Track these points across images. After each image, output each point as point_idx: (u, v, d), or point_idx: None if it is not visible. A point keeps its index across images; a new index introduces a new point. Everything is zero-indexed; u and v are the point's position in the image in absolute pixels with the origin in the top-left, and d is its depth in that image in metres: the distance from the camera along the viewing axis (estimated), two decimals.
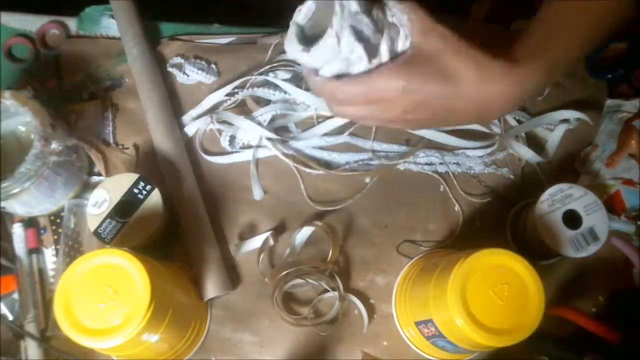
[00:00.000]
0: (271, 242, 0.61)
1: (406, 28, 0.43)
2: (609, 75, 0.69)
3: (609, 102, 0.68)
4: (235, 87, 0.67)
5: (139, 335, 0.44)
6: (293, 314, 0.60)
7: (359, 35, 0.42)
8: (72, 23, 0.70)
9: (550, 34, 0.46)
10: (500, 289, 0.46)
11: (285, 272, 0.59)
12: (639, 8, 0.46)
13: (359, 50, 0.42)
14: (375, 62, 0.43)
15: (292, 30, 0.43)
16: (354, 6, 0.42)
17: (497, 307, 0.46)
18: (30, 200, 0.58)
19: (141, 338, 0.45)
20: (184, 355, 0.57)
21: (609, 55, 0.70)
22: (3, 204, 0.57)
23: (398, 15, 0.43)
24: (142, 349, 0.47)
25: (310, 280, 0.60)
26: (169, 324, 0.48)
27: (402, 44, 0.44)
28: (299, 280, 0.60)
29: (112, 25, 0.69)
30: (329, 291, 0.60)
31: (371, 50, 0.43)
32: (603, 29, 0.47)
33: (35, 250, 0.61)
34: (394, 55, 0.44)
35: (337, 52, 0.42)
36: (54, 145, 0.55)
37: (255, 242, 0.61)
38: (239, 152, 0.65)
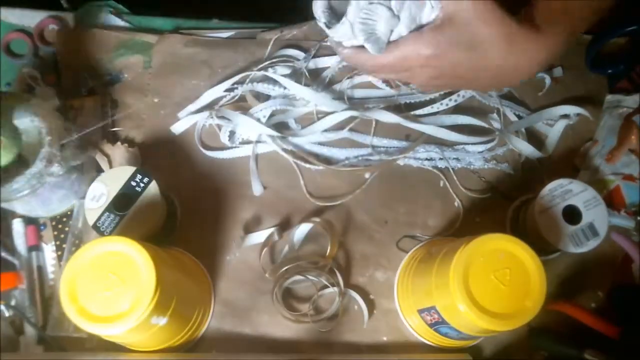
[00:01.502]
0: (276, 237, 0.61)
1: None
2: (610, 71, 0.69)
3: (609, 97, 0.68)
4: (235, 83, 0.67)
5: (148, 318, 0.44)
6: (293, 310, 0.60)
7: (371, 27, 0.42)
8: (70, 18, 0.70)
9: None
10: (502, 274, 0.47)
11: (286, 268, 0.59)
12: None
13: (369, 44, 0.43)
14: (394, 36, 0.44)
15: None
16: None
17: (499, 292, 0.46)
18: (23, 206, 0.57)
19: (150, 321, 0.45)
20: (192, 337, 0.57)
21: (610, 51, 0.70)
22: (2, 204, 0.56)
23: None
24: (151, 333, 0.48)
25: (310, 277, 0.60)
26: (176, 305, 0.48)
27: (427, 17, 0.44)
28: (299, 277, 0.60)
29: (111, 20, 0.69)
30: (328, 287, 0.60)
31: (383, 38, 0.44)
32: None
33: (35, 247, 0.60)
34: (419, 26, 0.44)
35: (353, 36, 0.44)
36: (55, 168, 0.54)
37: (259, 236, 0.61)
38: (238, 147, 0.65)
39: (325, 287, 0.60)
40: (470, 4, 0.42)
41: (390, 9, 0.42)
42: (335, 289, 0.59)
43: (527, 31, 0.44)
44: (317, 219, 0.62)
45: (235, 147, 0.65)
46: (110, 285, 0.45)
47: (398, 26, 0.43)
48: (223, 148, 0.65)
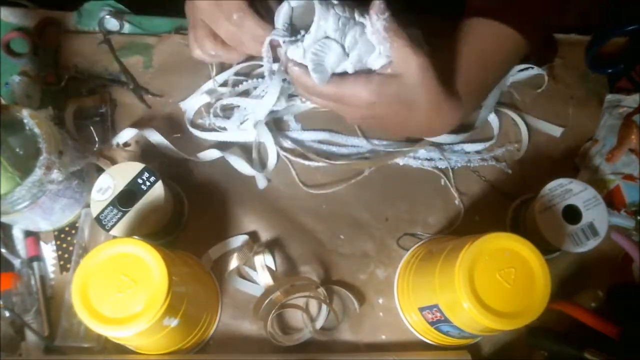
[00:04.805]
0: (248, 253, 0.59)
1: (386, 49, 0.45)
2: (610, 70, 0.69)
3: (609, 96, 0.68)
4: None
5: (160, 319, 0.44)
6: (288, 325, 0.59)
7: (321, 59, 0.45)
8: (70, 18, 0.70)
9: (482, 71, 0.54)
10: (507, 273, 0.47)
11: (267, 309, 0.56)
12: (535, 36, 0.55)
13: (315, 74, 0.46)
14: (339, 69, 0.47)
15: (284, 8, 0.46)
16: (331, 31, 0.44)
17: (504, 291, 0.46)
18: (25, 220, 0.57)
19: (162, 322, 0.45)
20: (201, 339, 0.57)
21: (610, 50, 0.70)
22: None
23: (379, 39, 0.45)
24: (162, 335, 0.48)
25: (294, 302, 0.58)
26: (187, 305, 0.48)
27: (372, 61, 0.47)
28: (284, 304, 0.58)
29: (111, 20, 0.69)
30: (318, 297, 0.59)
31: (329, 71, 0.46)
32: (512, 61, 0.58)
33: (35, 258, 0.60)
34: (363, 69, 0.47)
35: (303, 60, 0.46)
36: (55, 175, 0.53)
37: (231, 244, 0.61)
38: (238, 131, 0.64)
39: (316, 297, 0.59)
40: (418, 68, 0.46)
41: (342, 46, 0.45)
42: (324, 306, 0.59)
43: (451, 100, 0.50)
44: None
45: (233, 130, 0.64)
46: (122, 287, 0.44)
47: (345, 62, 0.46)
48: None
